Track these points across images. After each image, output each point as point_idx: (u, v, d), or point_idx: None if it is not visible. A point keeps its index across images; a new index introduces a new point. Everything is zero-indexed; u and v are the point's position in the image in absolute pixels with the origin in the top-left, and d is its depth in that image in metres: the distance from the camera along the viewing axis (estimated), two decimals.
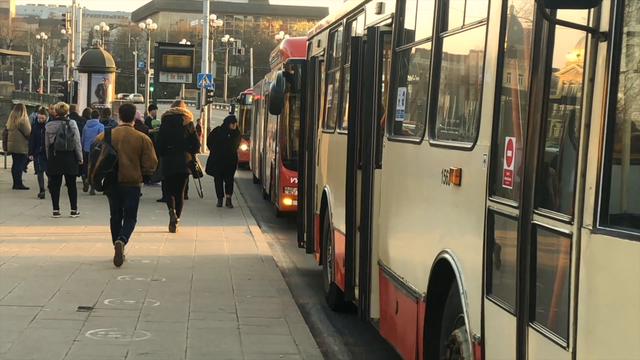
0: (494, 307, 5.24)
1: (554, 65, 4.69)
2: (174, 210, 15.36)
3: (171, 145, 15.45)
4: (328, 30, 11.58)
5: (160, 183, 18.66)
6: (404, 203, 7.49)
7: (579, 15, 4.28)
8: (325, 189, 10.97)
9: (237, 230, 16.34)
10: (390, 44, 8.25)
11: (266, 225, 18.28)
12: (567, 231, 4.29)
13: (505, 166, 5.20)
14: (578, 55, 4.44)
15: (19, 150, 20.95)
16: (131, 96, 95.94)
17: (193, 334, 8.65)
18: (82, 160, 17.18)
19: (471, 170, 5.74)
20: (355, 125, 9.10)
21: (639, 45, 4.09)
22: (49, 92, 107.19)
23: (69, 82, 52.82)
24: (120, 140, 12.18)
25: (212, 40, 54.84)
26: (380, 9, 8.60)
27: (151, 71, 48.78)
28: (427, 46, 7.01)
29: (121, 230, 12.28)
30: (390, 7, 8.23)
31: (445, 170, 6.20)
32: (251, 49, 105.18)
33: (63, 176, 17.04)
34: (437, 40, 6.72)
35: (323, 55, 11.88)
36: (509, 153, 5.15)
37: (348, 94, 9.75)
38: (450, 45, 6.67)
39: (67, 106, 18.53)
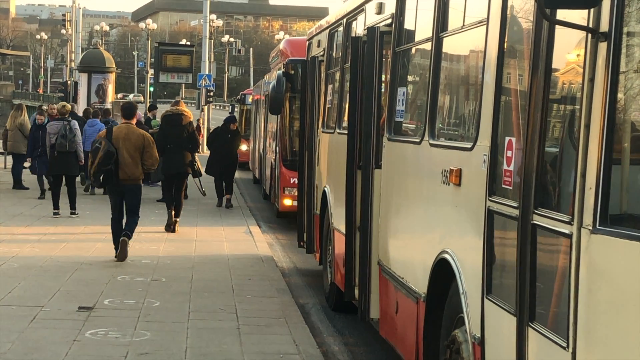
0: (494, 307, 5.24)
1: (553, 66, 4.69)
2: (172, 212, 15.40)
3: (171, 144, 15.45)
4: (328, 30, 11.58)
5: (160, 183, 18.66)
6: (404, 203, 7.49)
7: (578, 16, 4.28)
8: (325, 189, 10.97)
9: (237, 230, 16.34)
10: (390, 44, 8.25)
11: (266, 226, 18.28)
12: (567, 231, 4.29)
13: (505, 166, 5.20)
14: (578, 55, 4.44)
15: (19, 150, 20.94)
16: (131, 96, 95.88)
17: (193, 334, 8.65)
18: (83, 161, 17.22)
19: (471, 171, 5.74)
20: (355, 125, 9.10)
21: (639, 45, 4.09)
22: (49, 92, 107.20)
23: (69, 82, 52.83)
24: (122, 138, 12.25)
25: (212, 40, 54.86)
26: (380, 9, 8.60)
27: (151, 71, 48.77)
28: (427, 46, 7.02)
29: (125, 226, 12.40)
30: (390, 7, 8.23)
31: (445, 170, 6.20)
32: (251, 49, 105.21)
33: (63, 176, 17.07)
34: (437, 41, 6.72)
35: (323, 56, 11.88)
36: (509, 153, 5.15)
37: (348, 94, 9.76)
38: (450, 45, 6.67)
39: (69, 106, 18.54)
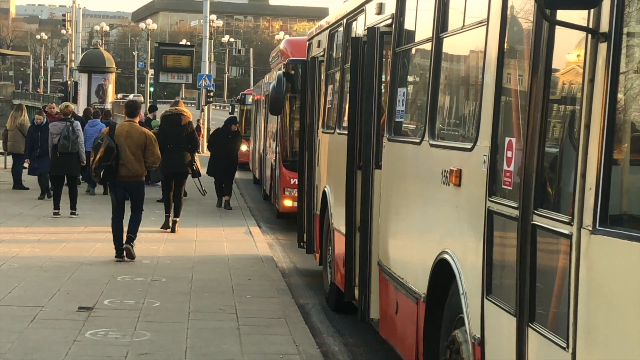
0: (493, 307, 5.24)
1: (554, 66, 4.70)
2: (170, 216, 15.46)
3: (170, 144, 15.47)
4: (328, 30, 11.58)
5: (160, 183, 18.67)
6: (404, 203, 7.49)
7: (579, 16, 4.28)
8: (325, 189, 10.97)
9: (237, 230, 16.34)
10: (390, 45, 8.25)
11: (266, 226, 18.28)
12: (566, 232, 4.30)
13: (505, 167, 5.20)
14: (578, 55, 4.44)
15: (19, 151, 20.94)
16: (131, 96, 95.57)
17: (193, 334, 8.65)
18: (85, 162, 17.26)
19: (471, 171, 5.74)
20: (355, 125, 9.11)
21: (639, 45, 4.09)
22: (49, 92, 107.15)
23: (69, 82, 52.85)
24: (124, 135, 12.37)
25: (212, 41, 54.89)
26: (380, 9, 8.61)
27: (151, 71, 48.76)
28: (427, 47, 7.02)
29: (129, 227, 12.52)
30: (390, 7, 8.23)
31: (445, 170, 6.20)
32: (251, 49, 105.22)
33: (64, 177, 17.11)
34: (437, 41, 6.72)
35: (323, 56, 11.88)
36: (509, 154, 5.15)
37: (348, 95, 9.76)
38: (450, 45, 6.67)
39: (72, 106, 18.58)
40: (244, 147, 27.57)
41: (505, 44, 5.40)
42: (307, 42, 13.45)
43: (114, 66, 34.26)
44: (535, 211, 4.68)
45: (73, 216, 16.78)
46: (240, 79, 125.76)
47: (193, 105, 56.56)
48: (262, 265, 12.71)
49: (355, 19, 9.92)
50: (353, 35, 9.86)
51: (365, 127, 8.68)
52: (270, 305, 10.08)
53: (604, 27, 4.12)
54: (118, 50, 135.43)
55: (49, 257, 12.44)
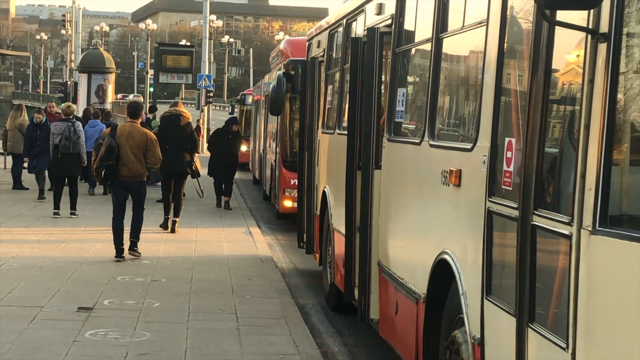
0: (493, 308, 5.24)
1: (553, 66, 4.70)
2: (170, 216, 15.50)
3: (169, 145, 15.47)
4: (328, 31, 11.58)
5: (159, 183, 18.69)
6: (404, 204, 7.49)
7: (578, 17, 4.28)
8: (325, 189, 10.97)
9: (236, 231, 16.34)
10: (390, 45, 8.25)
11: (266, 226, 18.28)
12: (566, 232, 4.30)
13: (505, 167, 5.20)
14: (578, 56, 4.44)
15: (18, 151, 20.94)
16: (131, 97, 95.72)
17: (193, 334, 8.65)
18: (86, 162, 17.33)
19: (471, 171, 5.74)
20: (355, 126, 9.11)
21: (639, 46, 4.09)
22: (48, 92, 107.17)
23: (68, 82, 52.87)
24: (125, 135, 12.46)
25: (212, 41, 54.89)
26: (380, 9, 8.60)
27: (151, 72, 48.75)
28: (427, 47, 7.02)
29: (131, 231, 12.67)
30: (390, 8, 8.23)
31: (445, 171, 6.20)
32: (251, 50, 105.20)
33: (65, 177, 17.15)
34: (437, 41, 6.72)
35: (323, 56, 11.88)
36: (509, 154, 5.16)
37: (348, 95, 9.76)
38: (450, 46, 6.67)
39: (74, 107, 18.61)
40: (243, 148, 27.58)
41: (505, 45, 5.41)
42: (307, 43, 13.45)
43: (114, 66, 34.32)
44: (535, 211, 4.68)
45: (73, 216, 16.79)
46: (240, 79, 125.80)
47: (193, 105, 56.60)
48: (262, 266, 12.71)
49: (355, 20, 9.92)
50: (353, 35, 9.86)
51: (365, 127, 8.68)
52: (270, 306, 10.08)
53: (604, 27, 4.12)
54: (118, 51, 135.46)
55: (49, 258, 12.44)
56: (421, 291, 6.63)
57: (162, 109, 20.46)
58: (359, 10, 9.63)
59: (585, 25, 4.24)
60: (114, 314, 9.36)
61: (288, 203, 17.52)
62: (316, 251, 11.89)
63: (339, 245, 9.91)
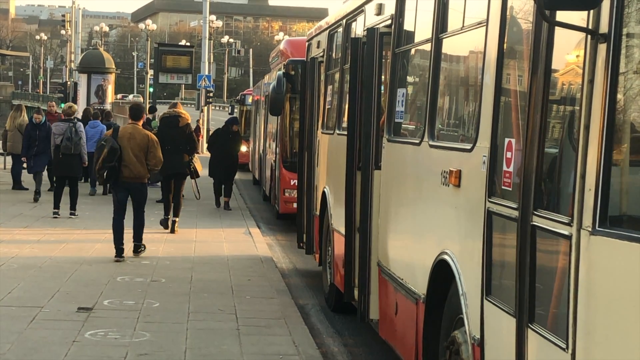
0: (493, 308, 5.24)
1: (553, 67, 4.70)
2: (169, 218, 15.53)
3: (169, 146, 15.49)
4: (327, 31, 11.58)
5: (159, 184, 18.70)
6: (404, 204, 7.49)
7: (578, 17, 4.28)
8: (325, 190, 10.96)
9: (236, 231, 16.34)
10: (389, 45, 8.25)
11: (266, 227, 18.27)
12: (566, 232, 4.30)
13: (504, 167, 5.20)
14: (577, 56, 4.44)
15: (18, 151, 20.93)
16: (130, 97, 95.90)
17: (192, 334, 8.65)
18: (87, 163, 17.40)
19: (471, 172, 5.74)
20: (354, 126, 9.10)
21: (638, 46, 4.09)
22: (48, 92, 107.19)
23: (68, 82, 52.84)
24: (127, 137, 12.55)
25: (212, 41, 54.85)
26: (379, 10, 8.60)
27: (151, 72, 48.77)
28: (427, 47, 7.02)
29: (134, 234, 12.78)
30: (390, 8, 8.23)
31: (444, 171, 6.20)
32: (250, 50, 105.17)
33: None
34: (437, 42, 6.72)
35: (322, 56, 11.88)
36: (509, 154, 5.16)
37: (347, 95, 9.75)
38: (450, 46, 6.67)
39: (75, 107, 18.63)
40: (243, 148, 27.58)
41: (505, 45, 5.41)
42: (307, 43, 13.45)
43: (114, 67, 34.30)
44: (535, 212, 4.68)
45: (72, 217, 16.79)
46: (240, 79, 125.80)
47: (193, 105, 56.56)
48: (262, 266, 12.71)
49: (355, 20, 9.92)
50: (352, 35, 9.86)
51: (365, 127, 8.68)
52: (270, 306, 10.08)
53: (604, 28, 4.12)
54: (117, 51, 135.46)
55: (49, 258, 12.44)
56: (421, 291, 6.63)
57: (162, 109, 20.48)
58: (359, 10, 9.62)
59: (585, 25, 4.24)
60: (114, 314, 9.36)
61: (288, 203, 17.51)
62: (316, 251, 11.89)
63: (339, 246, 9.91)
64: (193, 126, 16.89)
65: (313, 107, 12.14)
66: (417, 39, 7.65)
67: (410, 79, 8.02)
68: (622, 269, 3.88)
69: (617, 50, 4.05)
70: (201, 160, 16.94)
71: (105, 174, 12.41)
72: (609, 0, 4.07)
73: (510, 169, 5.11)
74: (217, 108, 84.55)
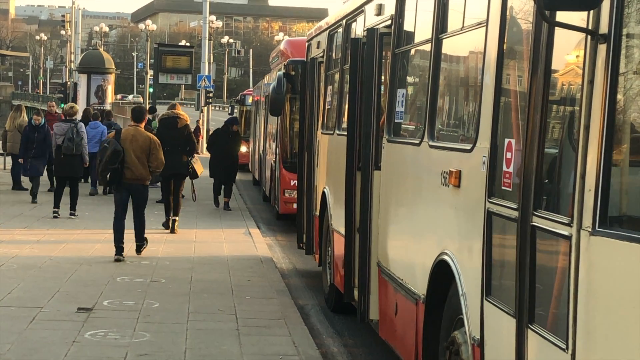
0: (493, 308, 5.24)
1: (553, 67, 4.70)
2: (169, 218, 15.57)
3: (168, 147, 15.51)
4: (327, 31, 11.58)
5: (159, 184, 18.72)
6: (404, 204, 7.49)
7: (578, 17, 4.28)
8: (325, 190, 10.96)
9: (236, 231, 16.34)
10: (389, 46, 8.25)
11: (266, 227, 18.27)
12: (566, 233, 4.29)
13: (504, 168, 5.20)
14: (577, 57, 4.44)
15: (18, 152, 20.94)
16: (130, 97, 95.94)
17: (192, 335, 8.65)
18: (88, 163, 17.43)
19: (470, 172, 5.74)
20: (354, 126, 9.10)
21: (638, 47, 4.09)
22: (48, 93, 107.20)
23: (68, 83, 52.86)
24: (129, 139, 12.62)
25: (212, 42, 54.86)
26: (379, 10, 8.60)
27: (150, 72, 48.77)
28: (427, 48, 7.02)
29: (135, 234, 12.85)
30: (390, 8, 8.23)
31: (444, 171, 6.20)
32: (250, 50, 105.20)
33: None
34: (437, 42, 6.72)
35: (322, 57, 11.88)
36: (509, 155, 5.15)
37: (347, 96, 9.75)
38: (450, 46, 6.67)
39: (77, 107, 18.62)
40: (243, 149, 27.57)
41: (505, 45, 5.41)
42: (307, 43, 13.45)
43: (113, 67, 34.31)
44: (535, 212, 4.68)
45: (72, 217, 16.80)
46: (240, 79, 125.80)
47: (192, 106, 56.51)
48: (262, 266, 12.71)
49: (355, 20, 9.92)
50: (352, 36, 9.86)
51: (365, 128, 8.68)
52: (270, 306, 10.08)
53: (604, 28, 4.12)
54: (117, 51, 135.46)
55: (49, 258, 12.45)
56: (421, 292, 6.63)
57: (162, 109, 20.47)
58: (359, 10, 9.62)
59: (585, 26, 4.24)
60: (114, 314, 9.36)
61: (288, 204, 17.50)
62: (316, 252, 11.89)
63: (339, 246, 9.91)
64: (193, 127, 16.90)
65: (313, 108, 12.14)
66: (417, 40, 7.65)
67: (410, 79, 8.02)
68: (622, 270, 3.88)
69: (617, 51, 4.05)
70: (201, 160, 16.94)
71: (108, 175, 12.47)
72: (609, 0, 4.07)
73: (510, 170, 5.11)
74: (217, 108, 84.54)
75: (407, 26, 7.90)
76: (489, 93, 5.50)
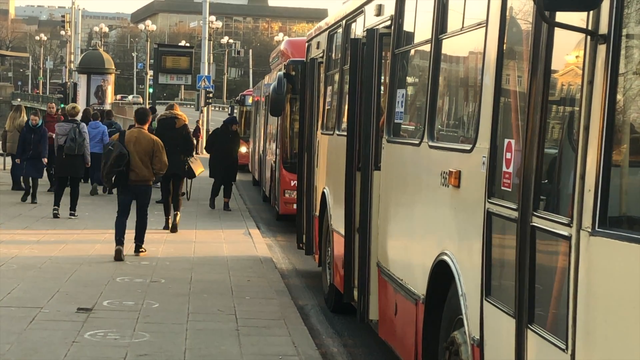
0: (493, 309, 5.24)
1: (553, 68, 4.70)
2: (169, 219, 15.60)
3: (166, 147, 15.51)
4: (327, 32, 11.58)
5: (159, 184, 18.74)
6: (403, 205, 7.49)
7: (578, 18, 4.28)
8: (325, 190, 10.97)
9: (236, 232, 16.34)
10: (389, 46, 8.26)
11: (265, 228, 18.28)
12: (566, 233, 4.30)
13: (504, 168, 5.21)
14: (577, 57, 4.44)
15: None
16: (130, 97, 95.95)
17: (192, 335, 8.65)
18: (89, 164, 17.46)
19: (470, 172, 5.74)
20: (354, 127, 9.10)
21: (638, 47, 4.09)
22: (48, 93, 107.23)
23: (68, 83, 52.86)
24: (133, 141, 12.71)
25: (212, 42, 54.87)
26: (379, 11, 8.61)
27: (150, 72, 48.79)
28: (426, 48, 7.02)
29: (135, 234, 12.93)
30: (390, 9, 8.23)
31: (444, 172, 6.20)
32: (250, 51, 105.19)
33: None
34: (436, 42, 6.72)
35: (322, 57, 11.88)
36: (508, 155, 5.16)
37: (347, 96, 9.76)
38: (450, 47, 6.67)
39: (79, 108, 18.64)
40: (243, 149, 27.57)
41: (505, 46, 5.41)
42: (307, 44, 13.46)
43: (113, 67, 34.32)
44: (535, 213, 4.69)
45: (72, 217, 16.81)
46: (240, 80, 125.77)
47: (192, 106, 56.56)
48: (262, 267, 12.71)
49: (355, 21, 9.92)
50: (352, 36, 9.86)
51: (365, 128, 8.68)
52: (270, 307, 10.08)
53: (603, 28, 4.12)
54: (117, 52, 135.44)
55: (48, 258, 12.45)
56: (420, 292, 6.63)
57: (162, 109, 20.47)
58: (358, 11, 9.63)
59: (584, 26, 4.24)
60: (114, 314, 9.36)
61: (288, 204, 17.50)
62: (315, 252, 11.90)
63: (339, 246, 9.91)
64: (193, 127, 16.90)
65: (313, 108, 12.14)
66: (416, 40, 7.65)
67: (409, 79, 8.02)
68: (622, 270, 3.88)
69: (617, 51, 4.05)
70: (201, 160, 16.95)
71: (113, 178, 12.53)
72: (609, 1, 4.08)
73: (510, 170, 5.11)
74: (217, 109, 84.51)
75: (407, 26, 7.91)
76: (489, 93, 5.50)
